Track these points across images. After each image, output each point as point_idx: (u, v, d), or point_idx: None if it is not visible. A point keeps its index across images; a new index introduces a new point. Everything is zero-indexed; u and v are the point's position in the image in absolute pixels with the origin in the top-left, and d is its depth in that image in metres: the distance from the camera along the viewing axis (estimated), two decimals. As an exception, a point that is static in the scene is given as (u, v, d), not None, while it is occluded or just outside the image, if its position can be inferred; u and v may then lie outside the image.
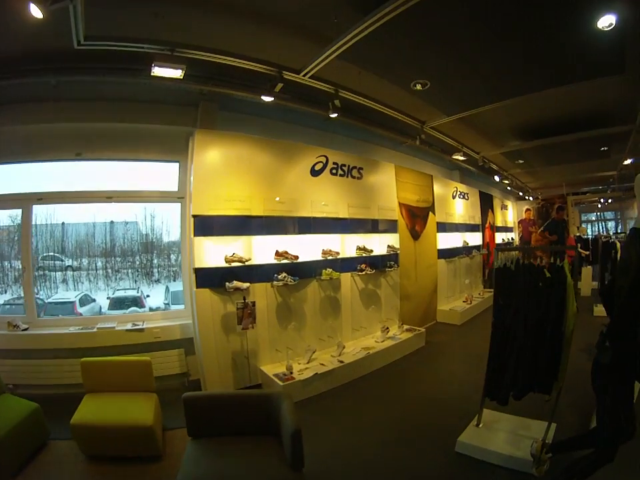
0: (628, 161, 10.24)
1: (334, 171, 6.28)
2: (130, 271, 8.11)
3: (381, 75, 5.22)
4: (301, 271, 5.52)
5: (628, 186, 14.81)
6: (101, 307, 7.64)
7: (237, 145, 5.28)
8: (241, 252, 5.03)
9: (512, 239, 14.90)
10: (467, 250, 10.32)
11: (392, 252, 7.08)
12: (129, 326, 5.18)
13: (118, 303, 7.60)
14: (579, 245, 10.31)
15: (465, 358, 6.29)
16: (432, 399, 4.77)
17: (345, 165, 6.44)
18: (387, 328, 6.52)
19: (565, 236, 9.52)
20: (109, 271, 7.97)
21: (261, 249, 5.25)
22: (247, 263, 5.00)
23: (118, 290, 7.97)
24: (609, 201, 17.19)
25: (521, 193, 15.62)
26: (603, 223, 19.51)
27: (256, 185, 5.32)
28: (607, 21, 3.88)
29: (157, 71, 4.22)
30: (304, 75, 4.93)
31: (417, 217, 8.24)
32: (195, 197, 4.84)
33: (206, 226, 4.87)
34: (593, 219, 19.63)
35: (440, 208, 9.11)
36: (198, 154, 4.91)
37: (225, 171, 5.11)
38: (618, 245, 8.21)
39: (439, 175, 9.72)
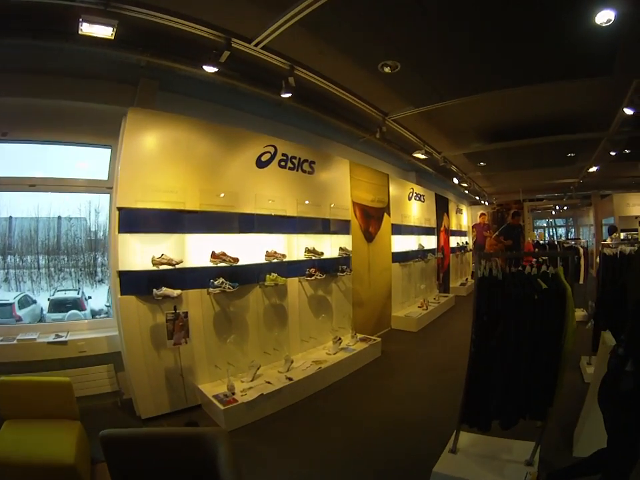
0: (593, 169, 10.38)
1: (283, 164, 5.76)
2: (73, 270, 7.66)
3: (345, 50, 4.70)
4: (242, 276, 4.98)
5: (585, 194, 15.16)
6: (42, 309, 7.09)
7: (175, 127, 4.66)
8: (172, 252, 4.43)
9: (466, 242, 15.22)
10: (422, 253, 10.13)
11: (344, 255, 6.67)
12: (51, 338, 4.48)
13: (58, 305, 7.12)
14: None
15: (426, 369, 5.93)
16: (395, 418, 4.31)
17: (295, 158, 5.95)
18: (340, 338, 6.05)
19: (521, 241, 9.53)
20: (52, 269, 7.50)
21: (196, 250, 4.67)
22: (177, 266, 4.39)
23: (59, 291, 7.49)
24: (564, 208, 17.63)
25: (477, 197, 15.78)
26: (554, 230, 20.20)
27: (193, 174, 4.72)
28: (605, 17, 3.67)
29: (86, 29, 3.64)
30: (256, 45, 4.40)
31: (372, 218, 7.90)
32: (122, 186, 4.20)
33: (133, 221, 4.24)
34: (544, 225, 20.29)
35: (395, 209, 8.83)
36: (129, 136, 4.28)
37: (158, 157, 4.49)
38: (581, 250, 8.27)
39: (395, 175, 9.47)
